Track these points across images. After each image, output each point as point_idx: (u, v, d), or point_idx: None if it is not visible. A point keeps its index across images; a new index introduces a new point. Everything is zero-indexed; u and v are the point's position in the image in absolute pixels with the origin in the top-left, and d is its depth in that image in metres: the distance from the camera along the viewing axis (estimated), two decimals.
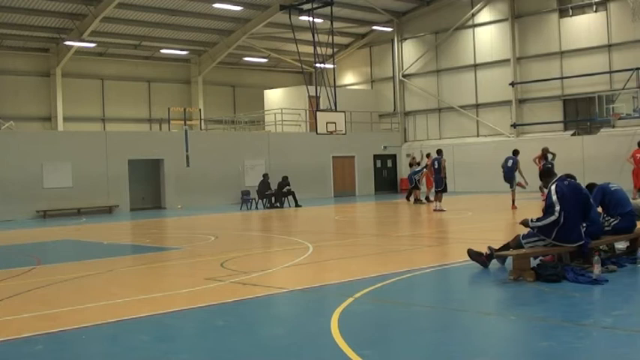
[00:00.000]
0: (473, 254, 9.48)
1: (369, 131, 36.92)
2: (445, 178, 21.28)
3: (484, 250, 9.50)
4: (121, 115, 36.67)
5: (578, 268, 8.33)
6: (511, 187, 21.12)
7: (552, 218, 8.44)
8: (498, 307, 7.42)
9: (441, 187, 21.06)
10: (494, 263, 9.33)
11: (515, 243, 8.89)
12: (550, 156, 22.05)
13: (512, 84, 33.11)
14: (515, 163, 21.31)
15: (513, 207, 20.36)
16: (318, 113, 26.11)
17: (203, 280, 9.34)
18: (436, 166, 21.23)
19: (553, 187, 8.64)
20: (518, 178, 21.29)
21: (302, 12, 27.50)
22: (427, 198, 25.54)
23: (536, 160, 24.27)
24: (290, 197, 27.47)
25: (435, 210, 20.85)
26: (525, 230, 8.87)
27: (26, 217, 25.08)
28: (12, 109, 32.60)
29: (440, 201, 21.00)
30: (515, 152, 21.91)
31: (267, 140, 32.35)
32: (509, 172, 21.23)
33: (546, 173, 9.19)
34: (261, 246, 14.85)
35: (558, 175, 8.98)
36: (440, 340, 6.00)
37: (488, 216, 19.13)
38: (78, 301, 8.24)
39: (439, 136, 36.53)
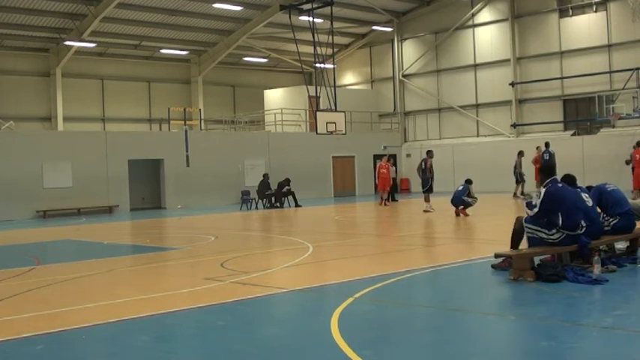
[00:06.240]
0: (498, 266, 9.14)
1: (369, 131, 36.91)
2: (432, 178, 21.10)
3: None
4: (121, 115, 36.67)
5: (578, 268, 8.33)
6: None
7: (531, 213, 8.73)
8: (498, 307, 7.42)
9: (426, 188, 20.95)
10: None
11: (518, 225, 8.94)
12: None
13: (512, 84, 33.09)
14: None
15: (463, 212, 18.81)
16: (318, 113, 26.09)
17: (203, 280, 9.34)
18: (423, 167, 21.20)
19: (544, 191, 8.72)
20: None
21: (302, 12, 27.47)
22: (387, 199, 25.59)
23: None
24: (290, 197, 27.47)
25: (424, 211, 20.66)
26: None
27: (26, 217, 25.07)
28: (12, 109, 32.59)
29: (427, 201, 20.84)
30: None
31: (267, 140, 32.34)
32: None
33: (546, 170, 9.30)
34: (261, 246, 14.84)
35: (557, 177, 9.05)
36: (440, 340, 6.00)
37: (488, 216, 19.12)
38: (78, 301, 8.24)
39: (439, 136, 36.52)
